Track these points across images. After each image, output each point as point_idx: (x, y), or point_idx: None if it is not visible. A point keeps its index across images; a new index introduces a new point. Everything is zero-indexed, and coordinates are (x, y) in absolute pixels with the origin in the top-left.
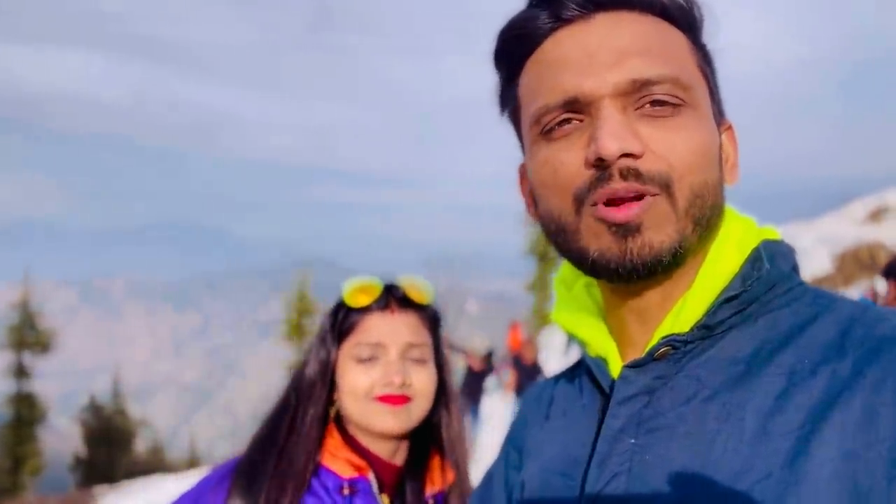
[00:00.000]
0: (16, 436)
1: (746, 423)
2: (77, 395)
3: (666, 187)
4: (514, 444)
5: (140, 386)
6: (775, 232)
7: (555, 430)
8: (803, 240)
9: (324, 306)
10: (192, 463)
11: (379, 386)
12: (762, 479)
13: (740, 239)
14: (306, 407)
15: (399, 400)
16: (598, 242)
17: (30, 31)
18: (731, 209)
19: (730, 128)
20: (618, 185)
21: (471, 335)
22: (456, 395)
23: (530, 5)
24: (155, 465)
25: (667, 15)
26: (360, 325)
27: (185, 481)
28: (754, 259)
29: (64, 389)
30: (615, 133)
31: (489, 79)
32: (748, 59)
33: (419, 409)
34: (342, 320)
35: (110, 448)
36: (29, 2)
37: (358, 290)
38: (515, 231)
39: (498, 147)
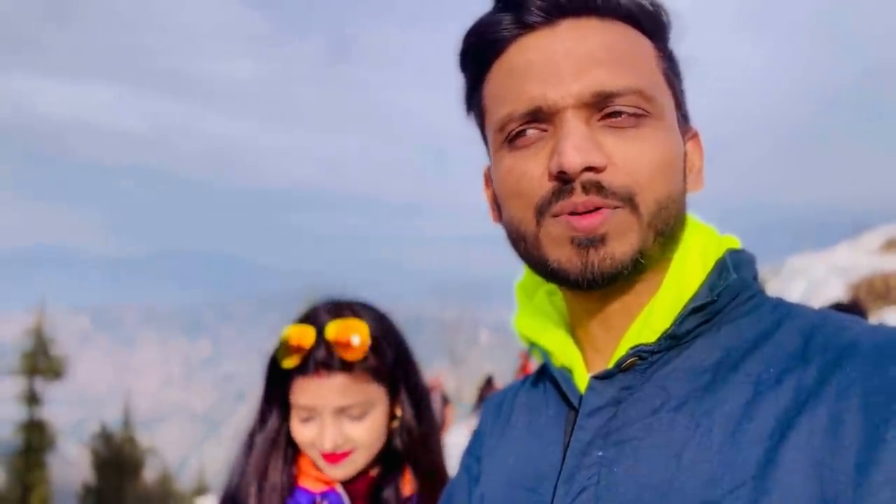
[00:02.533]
0: (25, 463)
1: (714, 432)
2: (87, 423)
3: (629, 200)
4: (474, 454)
5: (150, 414)
6: (736, 241)
7: (517, 441)
8: (817, 269)
9: None
10: (201, 491)
11: (318, 444)
12: (734, 489)
13: (703, 248)
14: (266, 467)
15: (337, 458)
16: (557, 252)
17: (52, 63)
18: (692, 218)
19: (695, 135)
20: (578, 200)
21: (481, 363)
22: (425, 417)
23: (495, 9)
24: (163, 494)
25: (633, 21)
26: (294, 386)
27: None
28: (720, 268)
29: (74, 416)
30: (578, 146)
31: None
32: (761, 85)
33: (362, 457)
34: (280, 376)
35: (119, 476)
36: (51, 35)
37: (284, 353)
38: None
39: None
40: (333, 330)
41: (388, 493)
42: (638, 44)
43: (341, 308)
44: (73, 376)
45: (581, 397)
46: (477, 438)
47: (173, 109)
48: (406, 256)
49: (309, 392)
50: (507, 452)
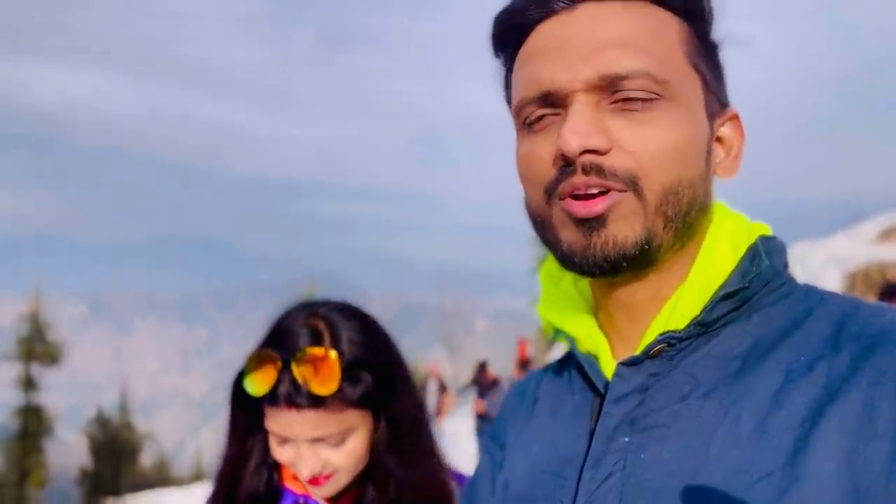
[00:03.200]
0: (22, 448)
1: (744, 420)
2: (84, 408)
3: (633, 184)
4: (498, 441)
5: (147, 400)
6: (768, 228)
7: (542, 428)
8: (813, 259)
9: None
10: (197, 477)
11: (295, 470)
12: (763, 478)
13: (733, 235)
14: (234, 486)
15: (319, 481)
16: (566, 234)
17: (47, 49)
18: (722, 205)
19: (735, 117)
20: (578, 180)
21: (479, 352)
22: (411, 432)
23: None
24: (160, 478)
25: (662, 1)
26: (266, 411)
27: (190, 495)
28: (753, 255)
29: (71, 402)
30: (578, 130)
31: (497, 102)
32: (759, 75)
33: (344, 478)
34: (248, 401)
35: (116, 461)
36: (46, 21)
37: (250, 384)
38: (523, 249)
39: (505, 168)
40: (301, 366)
41: (370, 497)
42: (659, 24)
43: (313, 325)
44: (70, 362)
45: (607, 383)
46: (500, 425)
47: (170, 95)
48: (404, 246)
49: (280, 423)
50: (532, 439)
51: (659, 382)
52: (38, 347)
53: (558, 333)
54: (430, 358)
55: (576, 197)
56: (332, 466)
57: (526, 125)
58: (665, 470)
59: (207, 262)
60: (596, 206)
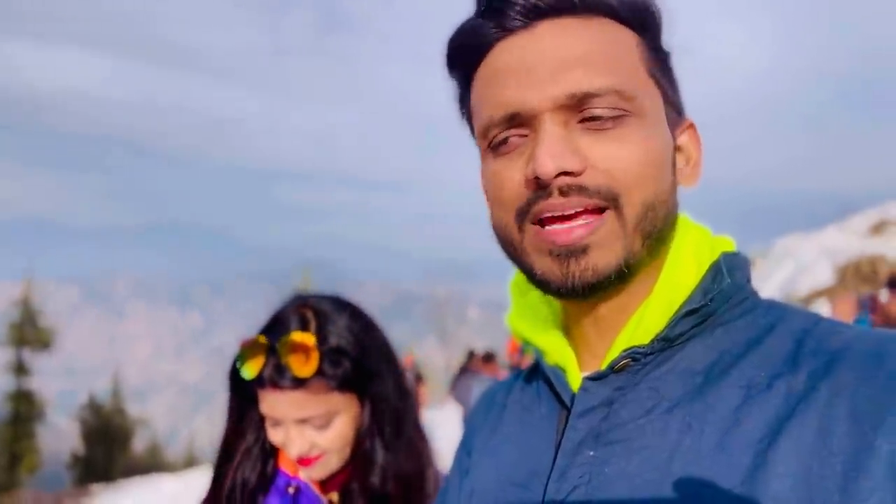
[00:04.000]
0: (14, 433)
1: (706, 435)
2: (76, 394)
3: (613, 201)
4: (466, 448)
5: (140, 385)
6: (731, 242)
7: (509, 438)
8: (805, 252)
9: None
10: (190, 463)
11: (286, 450)
12: (723, 494)
13: (697, 249)
14: (226, 473)
15: (308, 462)
16: (540, 262)
17: (39, 29)
18: (684, 217)
19: (691, 126)
20: (556, 202)
21: (471, 340)
22: (393, 427)
23: (476, 14)
24: (153, 464)
25: (616, 15)
26: (259, 395)
27: (183, 481)
28: (715, 272)
29: (63, 387)
30: (552, 152)
31: None
32: (749, 68)
33: (334, 460)
34: (244, 385)
35: (108, 447)
36: (41, 3)
37: (242, 367)
38: None
39: None
40: (284, 347)
41: (354, 484)
42: (618, 40)
43: (302, 313)
44: (63, 347)
45: (573, 396)
46: (469, 432)
47: (165, 80)
48: (396, 234)
49: (268, 403)
50: (498, 448)
51: (624, 397)
52: (29, 332)
53: (527, 345)
54: (422, 347)
55: (551, 219)
56: (319, 448)
57: (491, 147)
58: (629, 484)
59: (201, 250)
60: (575, 233)
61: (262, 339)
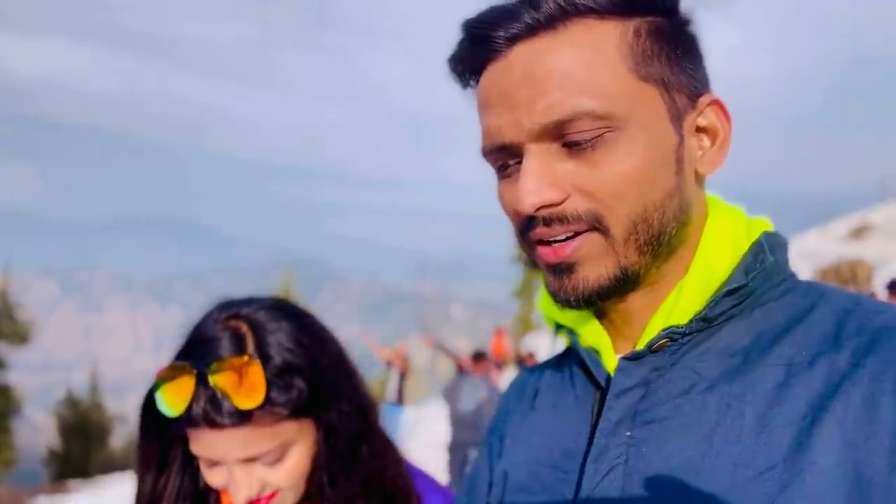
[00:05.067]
0: None
1: (746, 414)
2: (54, 389)
3: (597, 223)
4: (497, 434)
5: (119, 381)
6: (769, 223)
7: (543, 422)
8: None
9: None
10: None
11: (230, 494)
12: (765, 471)
13: (731, 230)
14: None
15: (261, 502)
16: (545, 276)
17: (20, 18)
18: (715, 199)
19: (714, 102)
20: (541, 231)
21: (456, 339)
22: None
23: (463, 40)
24: (130, 460)
25: (593, 11)
26: (189, 434)
27: None
28: (756, 251)
29: (40, 382)
30: (528, 189)
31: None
32: (733, 74)
33: (289, 498)
34: (168, 423)
35: (86, 442)
36: None
37: (166, 402)
38: (502, 238)
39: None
40: (220, 378)
41: None
42: (594, 47)
43: (234, 328)
44: (40, 341)
45: (608, 378)
46: (500, 417)
47: (146, 71)
48: (382, 231)
49: (203, 444)
50: (532, 432)
51: (661, 377)
52: (6, 326)
53: (559, 328)
54: (395, 345)
55: (543, 243)
56: (272, 486)
57: (494, 169)
58: (667, 464)
59: (183, 244)
60: (564, 252)
61: (186, 366)
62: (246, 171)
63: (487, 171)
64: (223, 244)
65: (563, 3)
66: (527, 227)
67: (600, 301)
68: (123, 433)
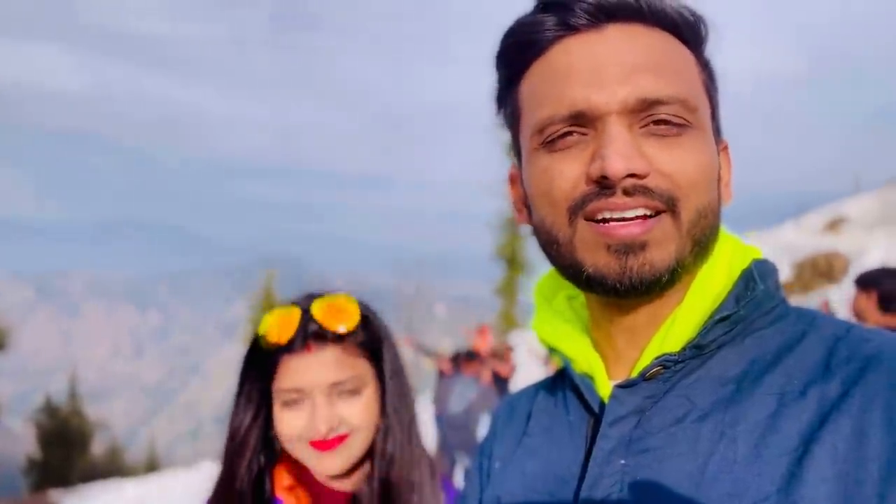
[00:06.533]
0: None
1: (739, 444)
2: (32, 395)
3: (672, 205)
4: (486, 453)
5: (98, 386)
6: (759, 251)
7: (537, 447)
8: (763, 249)
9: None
10: (151, 466)
11: (308, 432)
12: (758, 502)
13: (728, 258)
14: (238, 467)
15: (332, 444)
16: (593, 258)
17: None
18: (721, 229)
19: (726, 147)
20: (619, 201)
21: (438, 338)
22: (406, 412)
23: (538, 10)
24: (112, 468)
25: (676, 30)
26: (280, 367)
27: (144, 485)
28: (747, 279)
29: (18, 389)
30: (622, 153)
31: (459, 85)
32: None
33: (359, 443)
34: (263, 361)
35: (66, 450)
36: None
37: (270, 330)
38: (483, 235)
39: (466, 153)
40: (323, 303)
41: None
42: (681, 53)
43: (320, 293)
44: (17, 347)
45: (602, 405)
46: (489, 439)
47: (119, 72)
48: (362, 230)
49: (298, 371)
50: (526, 457)
51: (655, 405)
52: None
53: (553, 352)
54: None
55: (609, 219)
56: (347, 425)
57: (545, 143)
58: (661, 493)
59: (161, 246)
60: (637, 229)
61: (293, 304)
62: (224, 172)
63: (469, 170)
64: (201, 245)
65: (662, 12)
66: (591, 197)
67: (654, 290)
68: (104, 440)
